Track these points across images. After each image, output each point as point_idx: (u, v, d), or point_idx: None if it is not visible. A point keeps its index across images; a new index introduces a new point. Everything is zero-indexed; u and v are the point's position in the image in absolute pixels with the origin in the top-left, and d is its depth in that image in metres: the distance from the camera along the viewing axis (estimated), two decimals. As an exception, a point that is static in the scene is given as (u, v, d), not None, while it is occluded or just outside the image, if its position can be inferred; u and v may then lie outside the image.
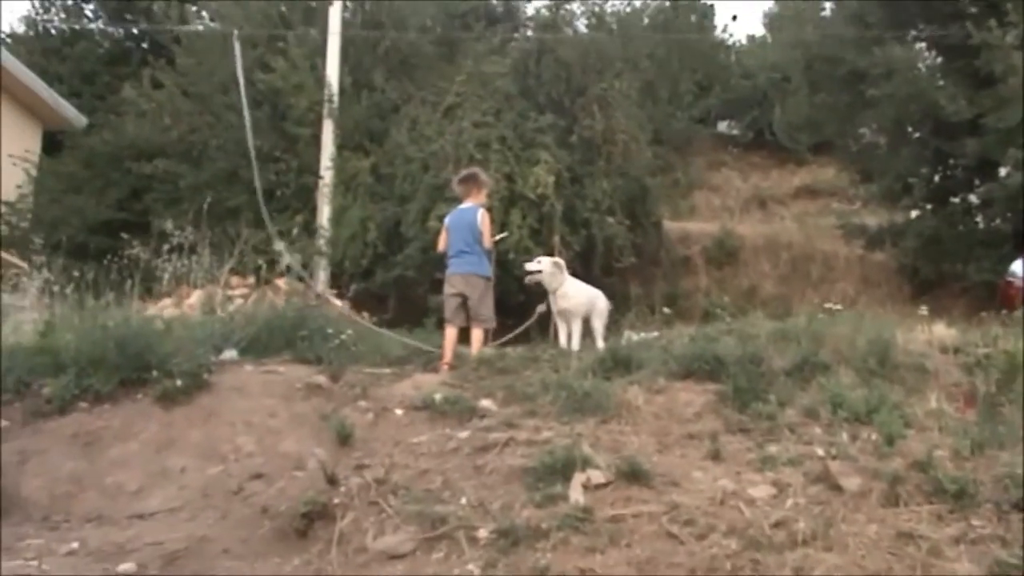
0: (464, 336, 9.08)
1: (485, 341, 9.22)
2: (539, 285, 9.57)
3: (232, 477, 5.67)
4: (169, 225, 9.93)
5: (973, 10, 16.94)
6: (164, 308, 10.64)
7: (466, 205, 9.33)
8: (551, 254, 11.85)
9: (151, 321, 7.39)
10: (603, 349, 8.25)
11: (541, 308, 9.85)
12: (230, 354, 7.58)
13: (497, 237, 10.01)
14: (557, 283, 9.41)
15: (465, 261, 9.15)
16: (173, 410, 6.33)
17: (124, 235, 10.27)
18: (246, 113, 13.28)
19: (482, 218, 9.19)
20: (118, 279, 8.35)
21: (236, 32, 14.75)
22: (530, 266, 9.61)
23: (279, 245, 12.26)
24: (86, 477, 5.73)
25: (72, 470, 5.77)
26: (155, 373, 6.51)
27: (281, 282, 12.04)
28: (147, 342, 6.76)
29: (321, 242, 16.71)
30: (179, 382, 6.41)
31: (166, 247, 9.64)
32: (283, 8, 19.38)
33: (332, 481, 5.26)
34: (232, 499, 5.44)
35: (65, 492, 5.62)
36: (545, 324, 10.58)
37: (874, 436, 5.58)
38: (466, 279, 9.14)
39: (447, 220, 9.47)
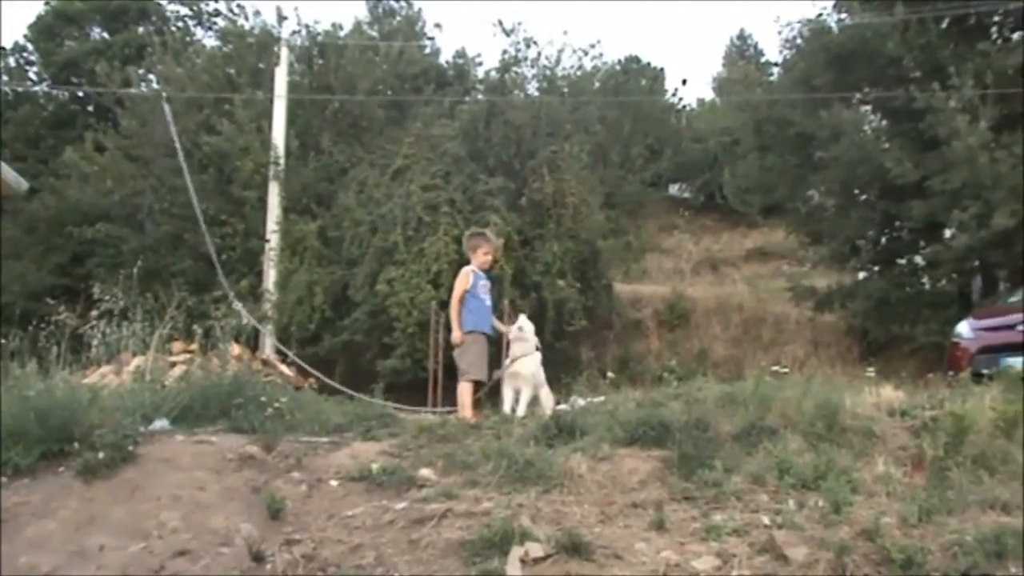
0: None
1: (475, 397, 9.34)
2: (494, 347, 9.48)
3: (154, 555, 5.34)
4: (97, 289, 9.62)
5: (917, 74, 17.24)
6: (104, 376, 10.34)
7: None
8: (501, 318, 11.62)
9: (76, 390, 7.08)
10: (548, 416, 8.05)
11: (498, 373, 9.64)
12: (161, 424, 7.26)
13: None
14: (529, 350, 9.26)
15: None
16: (95, 484, 5.99)
17: (50, 300, 9.96)
18: (187, 176, 13.12)
19: (458, 275, 9.56)
20: (45, 346, 8.06)
21: (165, 95, 14.62)
22: (513, 331, 9.39)
23: (237, 304, 12.08)
24: (-2, 558, 5.41)
25: (-16, 550, 5.45)
26: (77, 445, 6.20)
27: (236, 347, 11.75)
28: (71, 412, 6.42)
29: (267, 306, 16.48)
30: (102, 454, 6.07)
31: (94, 313, 9.34)
32: (230, 70, 19.32)
33: (258, 558, 5.01)
34: (153, 579, 5.15)
35: (-28, 575, 5.30)
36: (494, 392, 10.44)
37: (821, 503, 5.43)
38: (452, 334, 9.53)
39: None
